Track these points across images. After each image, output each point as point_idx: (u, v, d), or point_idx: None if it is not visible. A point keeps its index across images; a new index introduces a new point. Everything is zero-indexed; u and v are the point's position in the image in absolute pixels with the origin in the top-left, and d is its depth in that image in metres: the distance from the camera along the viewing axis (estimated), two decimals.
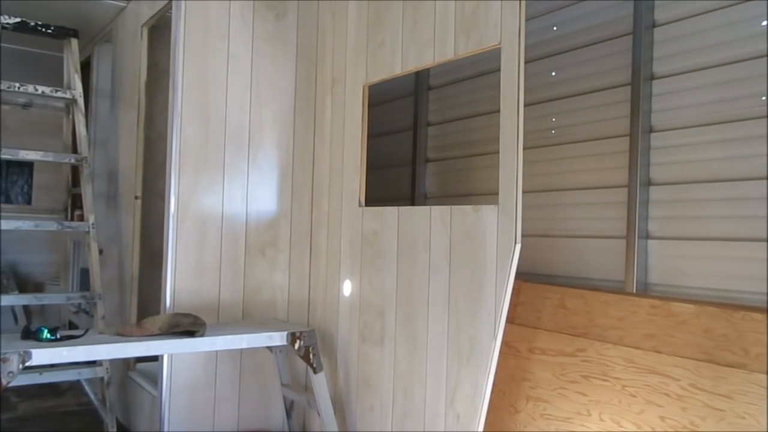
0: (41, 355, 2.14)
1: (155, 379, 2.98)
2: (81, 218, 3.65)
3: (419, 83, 4.17)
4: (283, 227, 3.14)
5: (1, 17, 3.35)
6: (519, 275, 2.29)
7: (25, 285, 4.99)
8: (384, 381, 2.67)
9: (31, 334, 2.30)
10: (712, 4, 2.53)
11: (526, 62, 2.17)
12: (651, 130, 2.75)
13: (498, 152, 2.17)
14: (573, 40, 3.11)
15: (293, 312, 3.15)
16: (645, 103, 2.74)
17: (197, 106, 2.89)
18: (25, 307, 4.71)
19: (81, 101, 3.58)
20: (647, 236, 2.72)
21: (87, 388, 4.06)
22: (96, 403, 3.76)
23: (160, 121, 3.42)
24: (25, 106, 4.56)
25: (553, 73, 3.20)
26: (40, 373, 3.11)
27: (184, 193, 2.85)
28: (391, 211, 2.69)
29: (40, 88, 3.42)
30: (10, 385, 2.09)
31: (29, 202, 5.24)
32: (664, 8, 2.72)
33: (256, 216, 3.05)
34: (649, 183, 2.74)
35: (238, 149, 3.00)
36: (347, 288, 2.93)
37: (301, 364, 2.84)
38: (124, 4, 3.76)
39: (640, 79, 2.75)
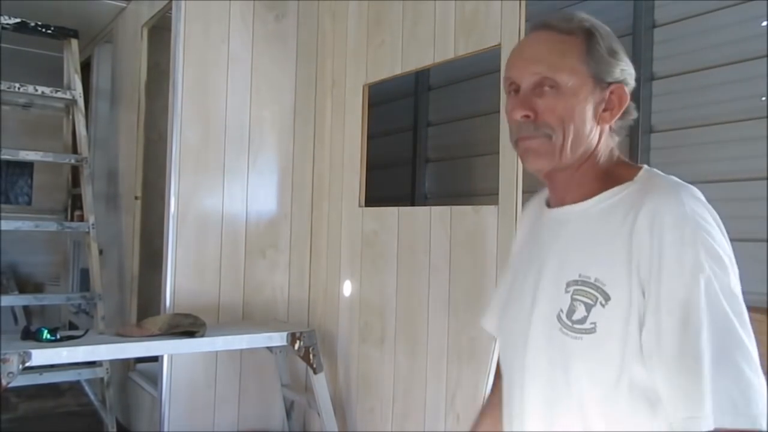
0: (41, 356, 2.14)
1: (155, 380, 2.98)
2: (81, 219, 3.65)
3: (419, 83, 4.17)
4: (283, 228, 3.13)
5: (1, 17, 3.34)
6: None
7: (25, 285, 4.98)
8: (384, 381, 2.66)
9: (31, 335, 2.30)
10: (712, 5, 2.53)
11: None
12: (651, 131, 2.75)
13: (498, 152, 2.17)
14: None
15: (293, 312, 3.15)
16: (645, 104, 2.74)
17: (197, 107, 2.89)
18: (25, 308, 4.71)
19: (81, 102, 3.58)
20: None
21: (87, 388, 4.05)
22: (96, 403, 3.75)
23: (160, 121, 3.42)
24: (25, 106, 4.57)
25: None
26: (40, 374, 3.11)
27: (184, 194, 2.85)
28: (391, 212, 2.68)
29: (40, 89, 3.41)
30: (10, 385, 2.09)
31: (29, 203, 5.24)
32: (664, 8, 2.72)
33: (256, 216, 3.05)
34: None
35: (238, 150, 3.00)
36: (347, 288, 2.93)
37: (301, 365, 2.84)
38: (124, 5, 3.76)
39: (640, 79, 2.75)
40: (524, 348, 1.03)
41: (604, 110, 1.03)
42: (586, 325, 0.94)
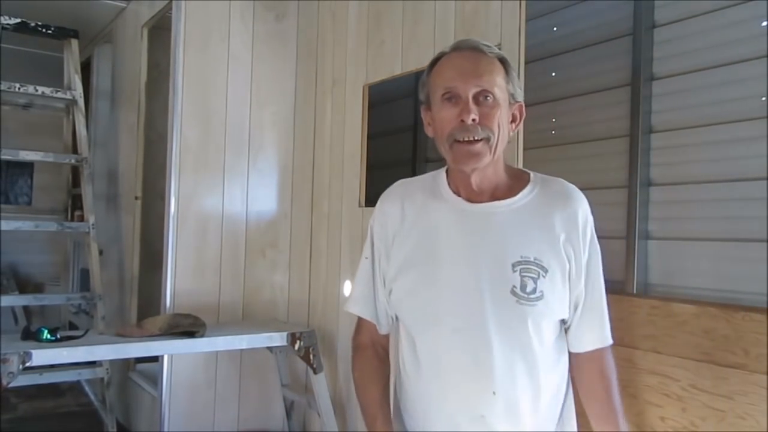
0: (41, 356, 2.14)
1: (155, 380, 2.98)
2: (81, 219, 3.65)
3: (419, 83, 4.17)
4: (284, 228, 3.13)
5: (2, 18, 3.35)
6: None
7: (25, 285, 4.98)
8: None
9: (31, 335, 2.30)
10: (712, 5, 2.53)
11: (526, 62, 2.17)
12: (651, 131, 2.74)
13: None
14: (573, 40, 3.10)
15: (293, 312, 3.15)
16: (645, 104, 2.74)
17: (197, 107, 2.89)
18: (25, 308, 4.71)
19: (81, 102, 3.58)
20: (647, 236, 2.71)
21: (87, 388, 4.06)
22: (96, 403, 3.76)
23: (160, 121, 3.42)
24: (26, 106, 4.56)
25: (553, 74, 3.20)
26: (40, 374, 3.11)
27: (184, 194, 2.85)
28: None
29: (41, 89, 3.42)
30: (10, 385, 2.09)
31: (29, 203, 5.24)
32: (664, 8, 2.72)
33: (257, 216, 3.05)
34: (649, 183, 2.74)
35: (238, 150, 3.00)
36: (347, 288, 2.93)
37: (302, 365, 2.84)
38: (125, 5, 3.76)
39: (640, 80, 2.75)
40: (482, 323, 1.22)
41: (511, 121, 1.28)
42: (537, 294, 1.21)
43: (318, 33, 3.21)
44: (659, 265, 2.66)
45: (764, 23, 2.37)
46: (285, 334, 2.62)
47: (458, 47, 1.27)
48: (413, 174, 4.18)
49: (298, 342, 2.64)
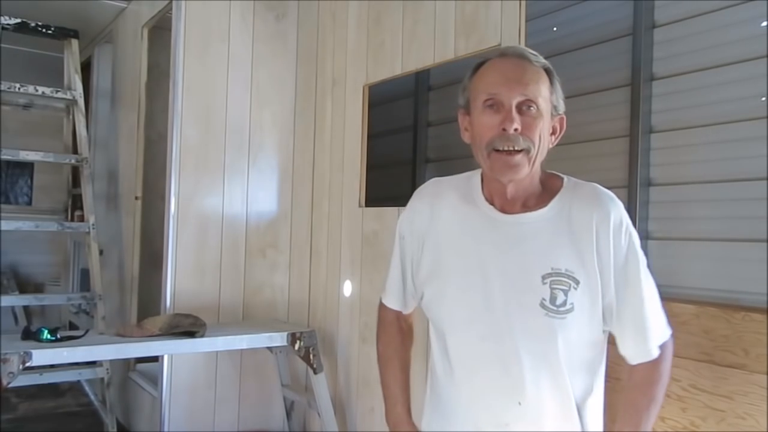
0: (41, 356, 2.14)
1: (155, 380, 2.98)
2: (81, 219, 3.65)
3: (419, 83, 4.17)
4: (284, 228, 3.13)
5: (2, 18, 3.35)
6: None
7: (25, 285, 4.98)
8: None
9: (31, 335, 2.30)
10: (712, 5, 2.53)
11: None
12: (651, 131, 2.74)
13: None
14: (573, 40, 3.10)
15: (293, 312, 3.15)
16: (645, 104, 2.74)
17: (197, 107, 2.89)
18: (26, 308, 4.71)
19: (81, 102, 3.58)
20: (647, 237, 2.72)
21: (87, 388, 4.06)
22: (96, 403, 3.76)
23: (160, 121, 3.42)
24: (26, 106, 4.57)
25: None
26: (41, 374, 3.11)
27: (184, 194, 2.85)
28: (391, 212, 2.68)
29: (41, 89, 3.42)
30: (11, 385, 2.09)
31: (30, 203, 5.24)
32: (664, 9, 2.72)
33: (257, 217, 3.05)
34: (649, 184, 2.74)
35: (239, 150, 3.00)
36: (347, 288, 2.93)
37: (302, 365, 2.84)
38: (125, 5, 3.76)
39: (640, 80, 2.75)
40: (509, 333, 1.21)
41: (551, 134, 1.26)
42: (567, 307, 1.19)
43: (318, 33, 3.21)
44: (659, 265, 2.66)
45: (764, 23, 2.37)
46: (285, 334, 2.62)
47: (504, 53, 1.24)
48: (413, 174, 4.18)
49: (298, 342, 2.64)
